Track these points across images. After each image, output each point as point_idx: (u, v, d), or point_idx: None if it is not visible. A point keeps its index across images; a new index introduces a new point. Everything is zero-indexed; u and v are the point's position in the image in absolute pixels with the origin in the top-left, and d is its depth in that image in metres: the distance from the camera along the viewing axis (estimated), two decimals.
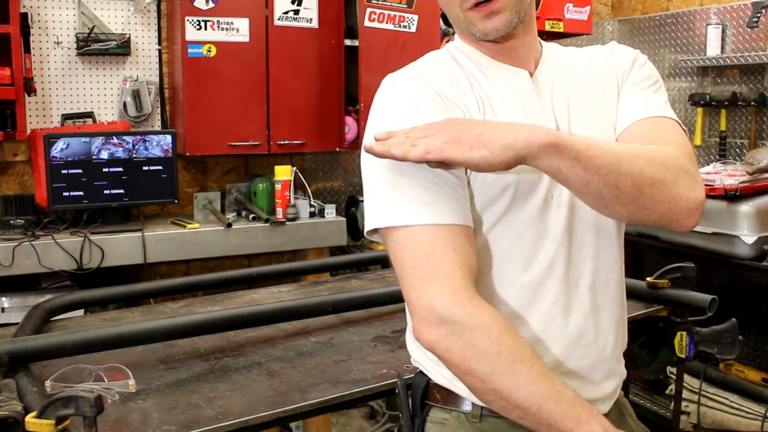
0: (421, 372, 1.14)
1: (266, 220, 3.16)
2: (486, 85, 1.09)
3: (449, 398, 1.10)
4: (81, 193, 2.99)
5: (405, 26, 3.46)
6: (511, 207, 1.03)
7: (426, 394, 1.13)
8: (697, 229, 2.65)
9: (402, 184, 0.98)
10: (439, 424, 1.11)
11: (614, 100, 1.14)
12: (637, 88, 1.14)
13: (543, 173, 1.01)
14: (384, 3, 3.37)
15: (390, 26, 3.41)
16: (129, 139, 3.05)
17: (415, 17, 3.48)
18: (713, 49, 3.56)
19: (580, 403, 0.93)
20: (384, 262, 2.64)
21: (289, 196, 3.25)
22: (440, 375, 1.09)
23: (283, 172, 3.24)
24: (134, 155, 3.06)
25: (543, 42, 1.20)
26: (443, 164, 0.95)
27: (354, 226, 3.62)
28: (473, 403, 1.07)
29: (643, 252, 3.08)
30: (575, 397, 0.94)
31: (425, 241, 0.96)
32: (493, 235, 1.04)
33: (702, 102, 3.63)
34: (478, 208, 1.03)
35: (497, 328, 0.94)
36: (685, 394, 2.84)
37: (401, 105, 1.04)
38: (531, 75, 1.12)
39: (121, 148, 3.03)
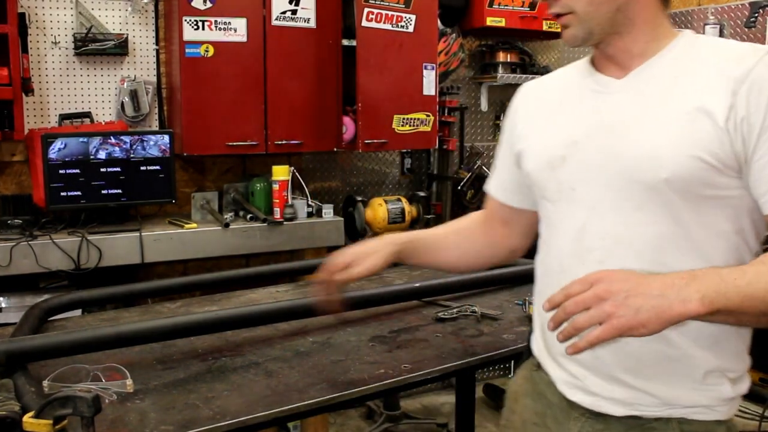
0: None
1: (264, 220, 3.16)
2: (561, 89, 1.29)
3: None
4: (78, 193, 2.98)
5: (403, 26, 3.46)
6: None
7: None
8: None
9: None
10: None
11: (714, 123, 1.05)
12: None
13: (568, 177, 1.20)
14: (382, 3, 3.37)
15: (388, 26, 3.41)
16: (126, 139, 3.05)
17: (413, 17, 3.48)
18: None
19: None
20: None
21: (287, 196, 3.25)
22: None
23: (281, 172, 3.24)
24: (132, 155, 3.06)
25: (683, 33, 1.20)
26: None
27: (351, 226, 3.61)
28: (536, 357, 1.35)
29: None
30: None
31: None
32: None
33: None
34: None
35: None
36: None
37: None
38: (626, 75, 1.17)
39: (118, 148, 3.03)
